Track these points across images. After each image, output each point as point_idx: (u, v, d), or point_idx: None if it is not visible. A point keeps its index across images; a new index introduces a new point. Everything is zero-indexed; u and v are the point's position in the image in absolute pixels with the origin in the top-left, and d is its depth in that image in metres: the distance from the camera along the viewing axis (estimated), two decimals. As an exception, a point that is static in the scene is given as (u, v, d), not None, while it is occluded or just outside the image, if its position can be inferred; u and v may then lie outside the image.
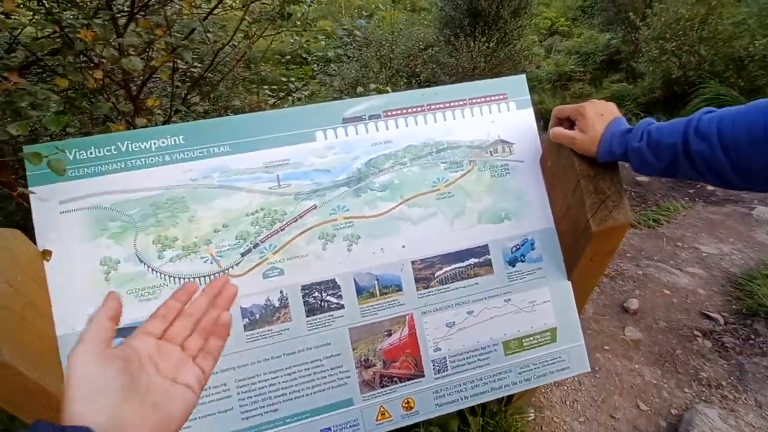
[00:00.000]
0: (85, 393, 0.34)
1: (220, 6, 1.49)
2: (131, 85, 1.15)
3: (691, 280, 2.31)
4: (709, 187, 3.32)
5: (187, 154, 0.84)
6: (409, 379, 0.88)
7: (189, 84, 1.35)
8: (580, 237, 0.87)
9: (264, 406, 0.81)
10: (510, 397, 1.42)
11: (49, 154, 0.69)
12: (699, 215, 2.94)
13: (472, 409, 1.41)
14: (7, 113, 0.75)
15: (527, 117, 0.98)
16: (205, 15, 1.29)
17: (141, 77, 1.09)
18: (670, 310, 2.13)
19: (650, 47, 4.94)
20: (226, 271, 0.82)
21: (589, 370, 0.96)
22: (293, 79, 1.83)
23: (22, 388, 0.68)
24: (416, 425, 1.35)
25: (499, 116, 0.97)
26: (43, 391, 0.70)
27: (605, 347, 1.95)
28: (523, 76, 0.99)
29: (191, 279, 0.81)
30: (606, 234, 0.84)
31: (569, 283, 0.95)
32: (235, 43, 1.41)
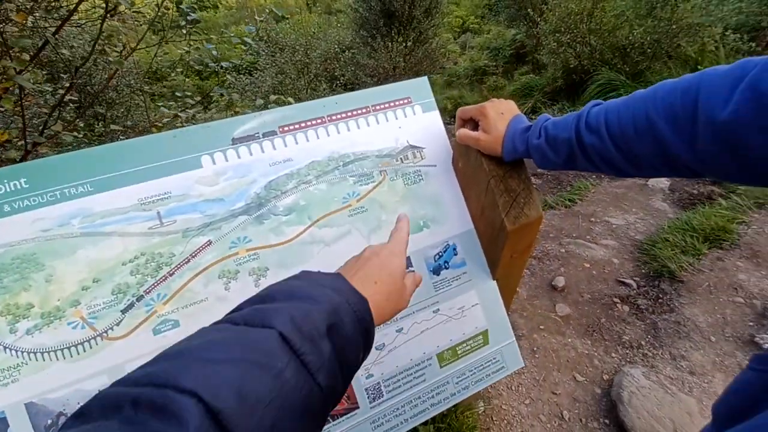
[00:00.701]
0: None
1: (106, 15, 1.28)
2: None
3: (606, 252, 2.53)
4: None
5: (34, 200, 0.68)
6: (342, 415, 0.80)
7: (48, 111, 1.13)
8: (497, 236, 0.86)
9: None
10: (457, 398, 1.42)
11: None
12: (606, 191, 3.24)
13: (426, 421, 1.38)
14: None
15: (434, 119, 0.95)
16: (56, 27, 1.09)
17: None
18: (592, 282, 2.30)
19: (549, 40, 5.39)
20: (105, 334, 0.68)
21: (524, 365, 0.97)
22: (189, 93, 1.65)
23: None
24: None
25: (405, 121, 0.93)
26: None
27: (540, 327, 2.05)
28: (425, 78, 0.97)
29: (58, 352, 0.66)
30: (521, 231, 0.84)
31: (494, 282, 0.94)
32: (109, 59, 1.22)
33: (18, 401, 0.64)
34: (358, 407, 0.81)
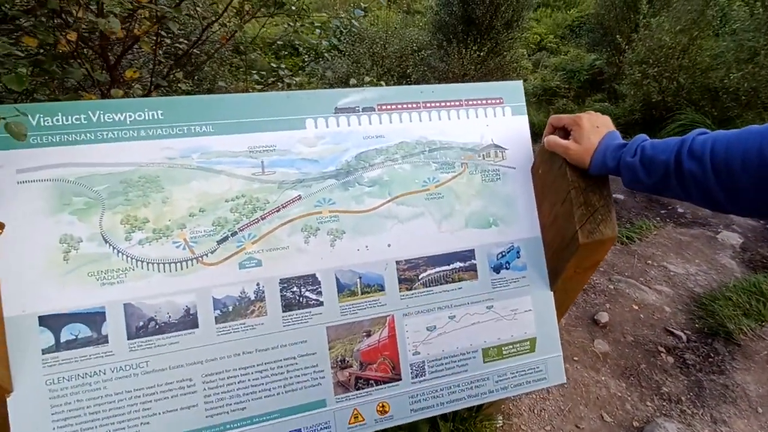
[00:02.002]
0: None
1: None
2: (109, 53, 1.07)
3: (659, 297, 2.39)
4: (680, 209, 3.46)
5: (166, 131, 0.78)
6: (385, 383, 0.85)
7: (173, 60, 1.26)
8: (566, 248, 0.86)
9: (231, 404, 0.76)
10: (481, 404, 1.42)
11: (8, 116, 0.62)
12: (669, 235, 3.05)
13: (443, 415, 1.40)
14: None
15: (522, 123, 0.97)
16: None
17: (121, 46, 1.01)
18: (638, 325, 2.19)
19: (633, 70, 5.12)
20: (200, 259, 0.77)
21: (565, 382, 0.97)
22: (284, 67, 1.77)
23: (-44, 373, 0.61)
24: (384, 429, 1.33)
25: (494, 120, 0.95)
26: (-19, 378, 0.63)
27: (574, 358, 1.99)
28: (521, 82, 0.98)
29: (160, 264, 0.75)
30: (592, 247, 0.84)
31: (551, 293, 0.94)
32: (225, 22, 1.34)
33: (119, 300, 0.73)
34: (401, 379, 0.86)
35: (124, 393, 0.72)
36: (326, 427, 0.81)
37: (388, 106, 0.89)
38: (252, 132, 0.82)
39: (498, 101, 0.96)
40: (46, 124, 0.72)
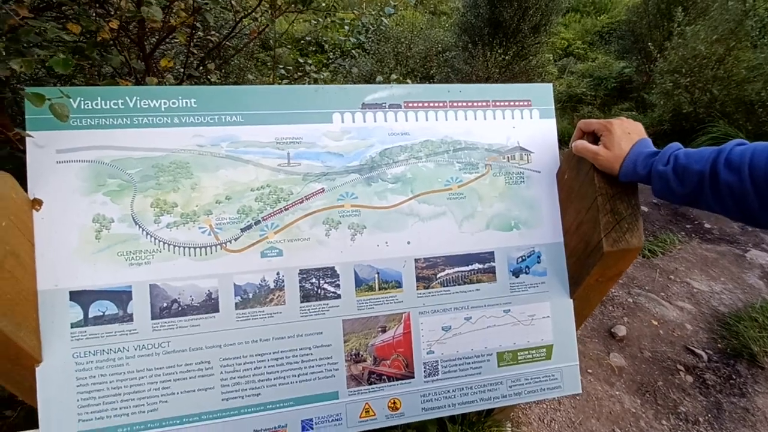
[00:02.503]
0: None
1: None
2: (145, 43, 1.10)
3: (680, 314, 2.32)
4: (707, 225, 3.34)
5: (198, 119, 0.80)
6: (398, 379, 0.85)
7: (204, 52, 1.30)
8: (589, 255, 0.85)
9: (246, 389, 0.78)
10: (491, 410, 1.40)
11: (53, 98, 0.65)
12: (694, 251, 2.95)
13: (452, 417, 1.39)
14: (10, 50, 0.70)
15: (549, 127, 0.95)
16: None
17: (157, 36, 1.04)
18: (656, 341, 2.13)
19: (664, 80, 4.97)
20: (223, 245, 0.79)
21: (580, 392, 0.95)
22: (310, 62, 1.79)
23: (-8, 340, 0.64)
24: (393, 427, 1.33)
25: (521, 122, 0.94)
26: (14, 345, 0.66)
27: (588, 370, 1.94)
28: (551, 85, 0.97)
29: (186, 248, 0.77)
30: (617, 256, 0.82)
31: (571, 301, 0.92)
32: (257, 16, 1.37)
33: (145, 281, 0.76)
34: (413, 377, 0.85)
35: (146, 371, 0.74)
36: (337, 419, 0.82)
37: (415, 104, 0.89)
38: (280, 124, 0.83)
39: (526, 103, 0.95)
40: (86, 107, 0.75)
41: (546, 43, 7.55)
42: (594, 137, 0.83)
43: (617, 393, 1.85)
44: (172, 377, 0.75)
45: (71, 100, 0.74)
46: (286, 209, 0.82)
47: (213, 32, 1.51)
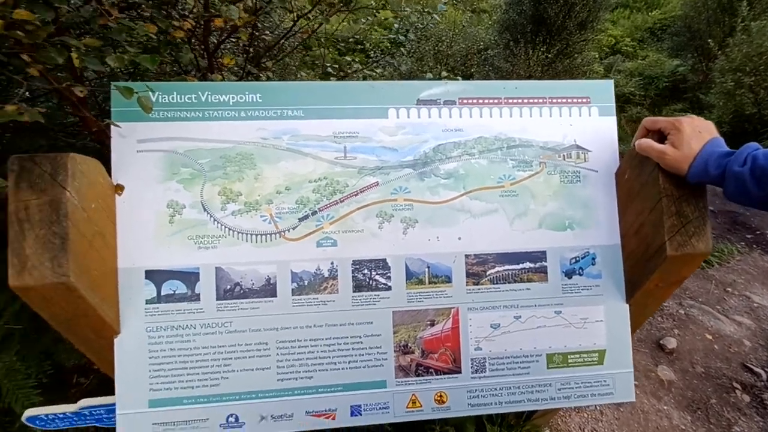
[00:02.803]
0: None
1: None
2: (209, 42, 1.17)
3: (737, 329, 2.16)
4: (770, 236, 3.09)
5: (262, 113, 0.84)
6: (445, 373, 0.85)
7: (262, 50, 1.36)
8: (650, 259, 0.81)
9: (300, 372, 0.81)
10: (531, 413, 1.38)
11: (140, 91, 0.71)
12: (755, 263, 2.74)
13: (490, 418, 1.38)
14: (101, 48, 0.77)
15: (608, 125, 0.92)
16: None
17: (220, 35, 1.11)
18: (710, 356, 2.00)
19: (725, 78, 4.63)
20: (282, 233, 0.83)
21: (634, 400, 0.91)
22: (357, 60, 1.82)
23: (81, 311, 0.71)
24: (431, 421, 1.34)
25: (578, 120, 0.92)
26: (98, 317, 0.73)
27: (634, 382, 1.86)
28: (611, 81, 0.94)
29: (248, 235, 0.82)
30: (681, 261, 0.79)
31: (627, 306, 0.89)
32: (310, 16, 1.41)
33: (212, 263, 0.81)
34: (460, 372, 0.86)
35: (210, 348, 0.80)
36: (385, 408, 0.84)
37: (470, 101, 0.89)
38: (337, 118, 0.86)
39: (584, 101, 0.92)
40: (163, 101, 0.81)
41: (592, 40, 7.23)
42: (659, 136, 0.80)
43: (665, 408, 1.76)
44: (233, 355, 0.80)
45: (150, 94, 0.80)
46: (341, 201, 0.84)
47: (267, 32, 1.58)
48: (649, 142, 0.78)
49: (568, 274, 0.89)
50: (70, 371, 1.19)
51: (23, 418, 0.91)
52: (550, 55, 6.00)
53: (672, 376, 1.88)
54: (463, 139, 0.89)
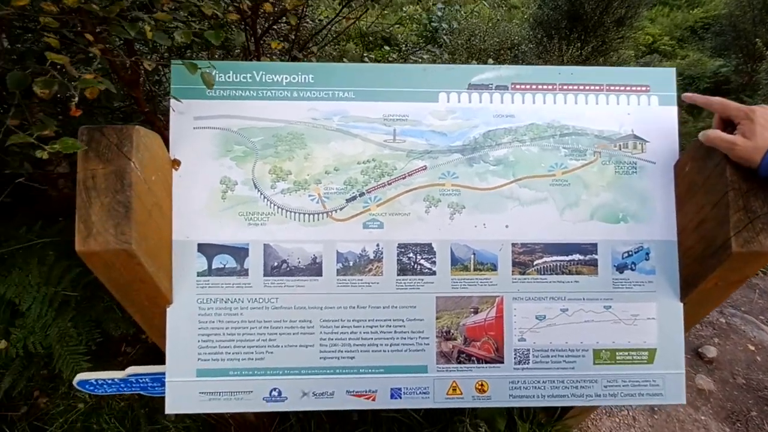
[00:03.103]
0: None
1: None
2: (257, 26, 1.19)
3: (783, 342, 2.05)
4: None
5: (314, 94, 0.84)
6: (487, 362, 0.84)
7: (305, 36, 1.38)
8: (711, 256, 0.77)
9: (342, 351, 0.82)
10: (564, 412, 1.35)
11: (203, 68, 0.73)
12: (803, 274, 2.58)
13: (521, 414, 1.36)
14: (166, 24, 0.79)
15: (669, 115, 0.88)
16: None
17: (269, 19, 1.12)
18: (752, 368, 1.90)
19: (775, 80, 4.37)
20: (330, 214, 0.83)
21: (684, 402, 0.88)
22: (394, 55, 1.82)
23: (139, 278, 0.74)
24: (461, 413, 1.32)
25: (637, 109, 0.88)
26: (154, 285, 0.75)
27: (669, 390, 1.79)
28: (673, 69, 0.90)
29: (296, 213, 0.83)
30: (746, 258, 0.74)
31: (681, 305, 0.85)
32: (353, 4, 1.42)
33: (260, 240, 0.82)
34: (503, 362, 0.84)
35: (256, 322, 0.81)
36: (425, 393, 0.83)
37: (523, 86, 0.87)
38: (388, 101, 0.85)
39: (644, 89, 0.88)
40: (219, 79, 0.83)
41: (630, 38, 6.97)
42: (726, 125, 0.76)
43: (702, 418, 1.69)
44: (278, 331, 0.81)
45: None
46: (389, 183, 0.84)
47: (307, 20, 1.59)
48: (717, 133, 0.74)
49: (620, 268, 0.86)
50: (116, 340, 1.25)
51: (75, 382, 0.96)
52: (584, 52, 5.81)
53: (711, 386, 1.80)
54: (515, 126, 0.87)
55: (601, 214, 0.86)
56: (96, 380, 0.97)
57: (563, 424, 1.41)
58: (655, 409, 1.70)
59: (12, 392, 1.25)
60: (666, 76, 0.89)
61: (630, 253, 0.86)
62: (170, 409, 0.80)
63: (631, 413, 1.68)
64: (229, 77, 0.83)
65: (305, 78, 0.84)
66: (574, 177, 0.86)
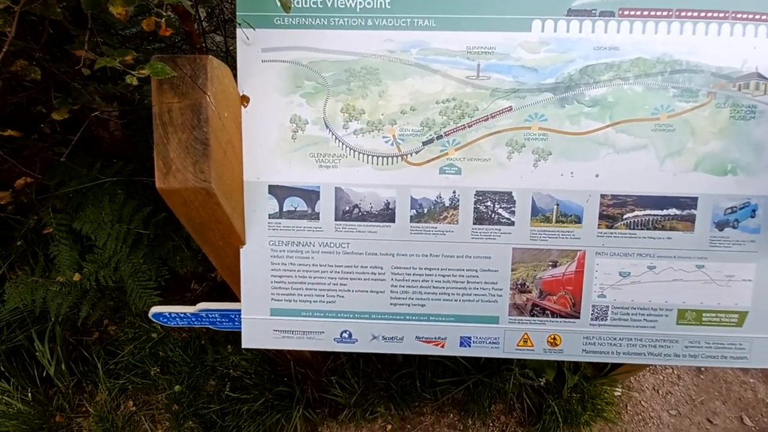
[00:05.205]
0: None
1: None
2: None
3: None
4: None
5: (390, 22, 0.76)
6: (562, 317, 0.82)
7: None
8: (839, 214, 0.68)
9: (413, 298, 0.81)
10: (614, 368, 1.34)
11: (277, -12, 0.65)
12: None
13: (570, 366, 1.36)
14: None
15: (806, 50, 0.74)
16: None
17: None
18: (812, 336, 1.82)
19: None
20: (405, 157, 0.78)
21: (770, 367, 0.83)
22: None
23: (215, 217, 0.73)
24: (509, 362, 1.34)
25: (764, 42, 0.75)
26: (229, 225, 0.75)
27: (719, 352, 1.74)
28: (822, -9, 0.74)
29: (370, 156, 0.78)
30: None
31: (784, 266, 0.78)
32: None
33: (332, 183, 0.79)
34: (578, 317, 0.82)
35: (327, 266, 0.81)
36: (495, 342, 0.83)
37: (633, 12, 0.75)
38: (473, 30, 0.76)
39: (779, 17, 0.74)
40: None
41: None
42: None
43: (751, 381, 1.66)
44: (349, 276, 0.81)
45: (277, -5, 0.74)
46: (469, 126, 0.77)
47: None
48: None
49: (720, 225, 0.78)
50: (183, 278, 1.31)
51: (150, 314, 1.01)
52: None
53: (765, 351, 1.74)
54: (618, 60, 0.76)
55: (707, 165, 0.77)
56: (169, 313, 1.02)
57: (610, 378, 1.41)
58: (702, 369, 1.67)
59: (88, 320, 1.36)
60: (810, -1, 0.74)
61: (734, 209, 0.77)
62: (247, 343, 0.84)
63: (676, 372, 1.66)
64: (297, 3, 0.75)
65: (381, 3, 0.75)
66: (680, 121, 0.76)
